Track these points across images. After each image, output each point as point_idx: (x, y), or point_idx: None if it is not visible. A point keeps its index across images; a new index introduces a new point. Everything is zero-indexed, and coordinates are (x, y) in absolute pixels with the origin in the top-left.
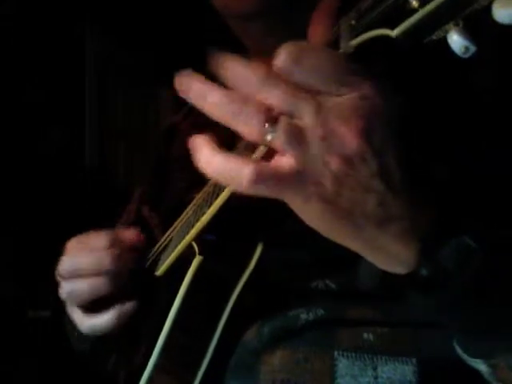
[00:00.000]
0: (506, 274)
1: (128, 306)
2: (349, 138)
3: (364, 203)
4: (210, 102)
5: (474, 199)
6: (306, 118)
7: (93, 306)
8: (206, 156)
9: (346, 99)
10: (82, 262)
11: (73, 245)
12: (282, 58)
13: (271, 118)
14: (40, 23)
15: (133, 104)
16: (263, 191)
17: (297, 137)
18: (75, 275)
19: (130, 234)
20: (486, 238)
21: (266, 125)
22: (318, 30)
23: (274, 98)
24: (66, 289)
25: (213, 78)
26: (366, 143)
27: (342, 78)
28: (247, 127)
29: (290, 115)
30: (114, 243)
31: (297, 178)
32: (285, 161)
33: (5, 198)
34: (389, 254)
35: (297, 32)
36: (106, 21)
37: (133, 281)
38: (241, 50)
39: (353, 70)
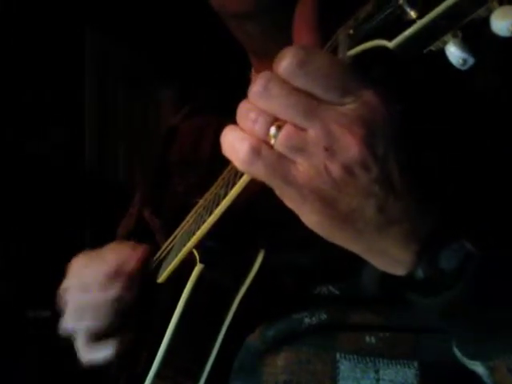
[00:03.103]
0: (504, 278)
1: (125, 337)
2: (351, 146)
3: (364, 208)
4: None
5: (474, 203)
6: (310, 130)
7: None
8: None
9: (348, 109)
10: (88, 298)
11: (77, 267)
12: (287, 60)
13: (278, 122)
14: (40, 23)
15: (133, 104)
16: (256, 172)
17: (298, 146)
18: (80, 312)
19: (136, 257)
20: (484, 243)
21: (272, 128)
22: (302, 37)
23: (275, 108)
24: (71, 324)
25: None
26: (367, 151)
27: (345, 85)
28: (253, 126)
29: (295, 125)
30: (120, 272)
31: (294, 177)
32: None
33: (4, 199)
34: (388, 256)
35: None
36: (105, 21)
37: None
38: (238, 49)
39: (356, 76)
